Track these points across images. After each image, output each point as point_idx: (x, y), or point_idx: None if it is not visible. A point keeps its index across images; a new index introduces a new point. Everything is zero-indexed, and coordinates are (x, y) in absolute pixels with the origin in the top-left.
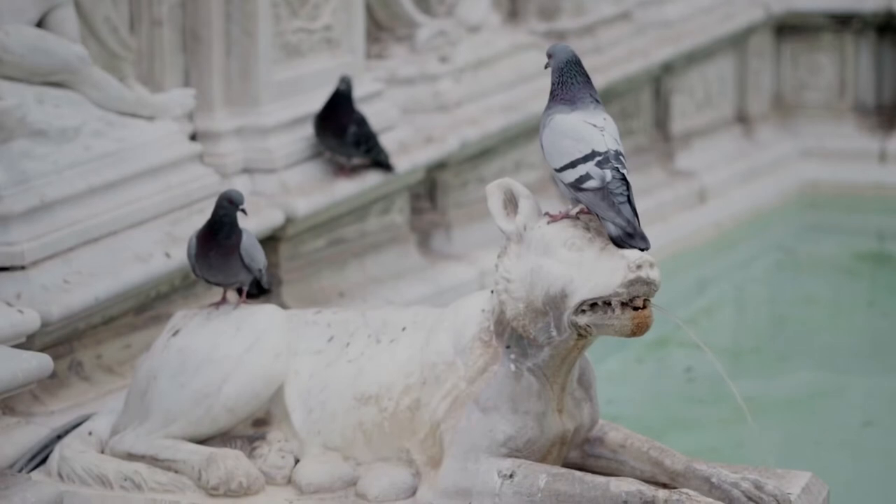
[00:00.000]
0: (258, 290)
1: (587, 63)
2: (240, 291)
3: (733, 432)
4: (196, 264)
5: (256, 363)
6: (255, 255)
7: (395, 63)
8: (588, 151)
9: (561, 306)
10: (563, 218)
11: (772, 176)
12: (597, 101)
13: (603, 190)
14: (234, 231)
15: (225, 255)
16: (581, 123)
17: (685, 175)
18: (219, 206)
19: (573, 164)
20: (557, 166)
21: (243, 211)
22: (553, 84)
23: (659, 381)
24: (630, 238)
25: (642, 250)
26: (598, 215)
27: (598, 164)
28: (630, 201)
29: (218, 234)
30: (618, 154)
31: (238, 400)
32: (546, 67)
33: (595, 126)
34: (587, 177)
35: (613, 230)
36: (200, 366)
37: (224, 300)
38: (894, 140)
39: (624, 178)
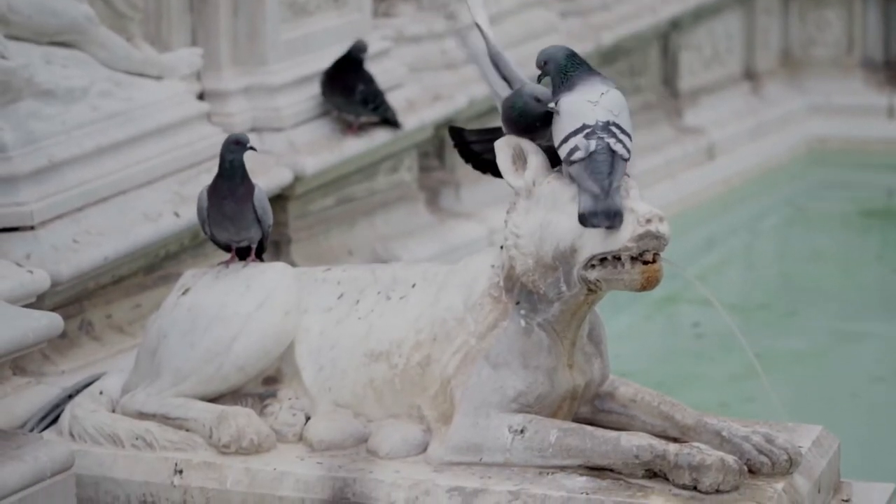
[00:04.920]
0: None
1: (596, 19)
2: (248, 250)
3: (743, 387)
4: (208, 217)
5: (266, 321)
6: (267, 209)
7: (403, 21)
8: (579, 125)
9: (570, 261)
10: None
11: (780, 132)
12: (599, 76)
13: (586, 160)
14: (247, 176)
15: (239, 203)
16: (579, 100)
17: (693, 132)
18: (227, 151)
19: (566, 139)
20: (556, 145)
21: (252, 148)
22: (555, 86)
23: (668, 337)
24: (593, 217)
25: (608, 227)
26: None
27: (586, 136)
28: (611, 175)
29: (231, 180)
30: (608, 125)
31: (248, 358)
32: (542, 77)
33: (590, 101)
34: (575, 149)
35: (582, 204)
36: (210, 324)
37: (233, 259)
38: None
39: (611, 150)
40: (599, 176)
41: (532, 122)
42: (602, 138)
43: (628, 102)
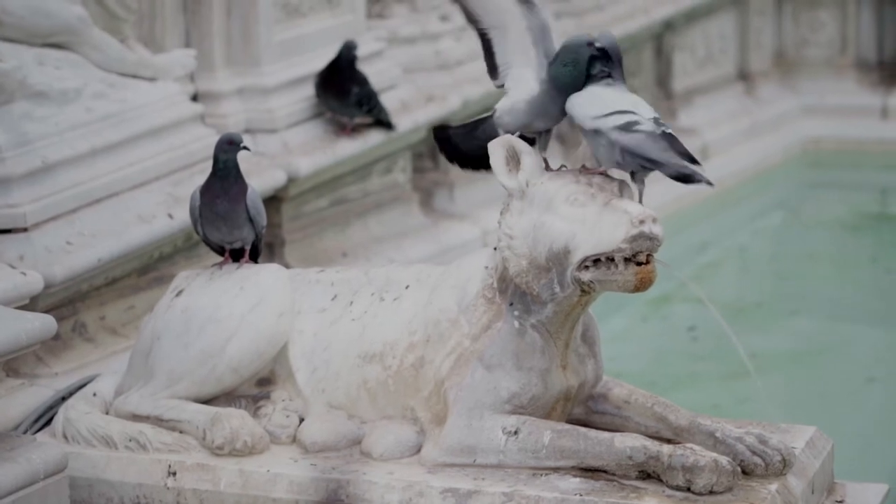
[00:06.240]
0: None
1: (589, 20)
2: (242, 252)
3: (737, 388)
4: (200, 217)
5: (260, 322)
6: (261, 209)
7: (396, 22)
8: (630, 107)
9: (564, 262)
10: (599, 173)
11: (774, 133)
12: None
13: (654, 134)
14: (240, 176)
15: (231, 203)
16: (621, 96)
17: (687, 132)
18: (220, 151)
19: (621, 112)
20: (600, 113)
21: (246, 148)
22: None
23: (662, 338)
24: (696, 174)
25: (709, 184)
26: (644, 156)
27: (650, 119)
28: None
29: (225, 179)
30: (657, 119)
31: (242, 359)
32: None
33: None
34: (636, 122)
35: (674, 168)
36: (204, 326)
37: (227, 260)
38: None
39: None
40: (674, 150)
41: (585, 69)
42: (665, 127)
43: None
